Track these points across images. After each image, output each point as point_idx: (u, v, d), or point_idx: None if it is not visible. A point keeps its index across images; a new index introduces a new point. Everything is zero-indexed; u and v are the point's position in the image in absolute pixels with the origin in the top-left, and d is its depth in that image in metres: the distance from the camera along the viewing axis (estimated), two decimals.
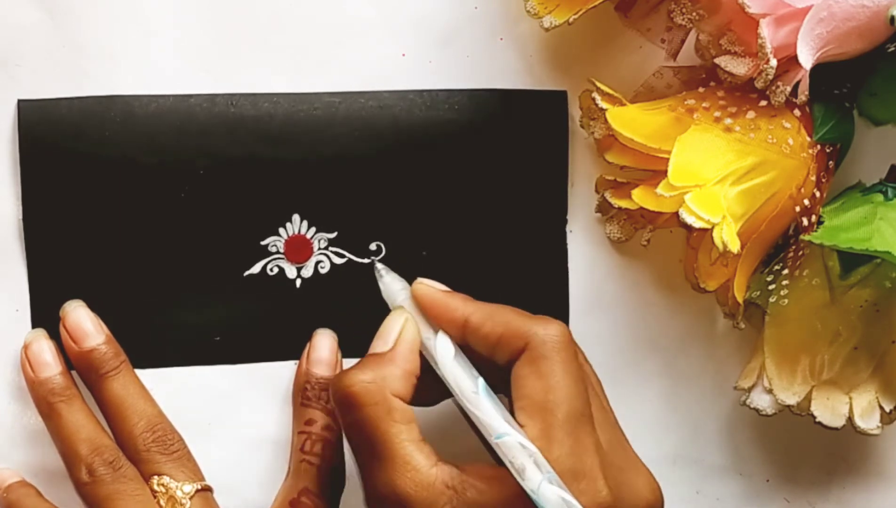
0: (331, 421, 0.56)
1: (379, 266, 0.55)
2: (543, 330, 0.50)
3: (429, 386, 0.52)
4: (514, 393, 0.50)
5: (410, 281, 0.54)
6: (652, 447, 0.58)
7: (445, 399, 0.54)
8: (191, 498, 0.53)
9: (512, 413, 0.50)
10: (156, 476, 0.54)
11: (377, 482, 0.49)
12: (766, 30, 0.50)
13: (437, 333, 0.52)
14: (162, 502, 0.53)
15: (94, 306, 0.55)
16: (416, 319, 0.52)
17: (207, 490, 0.55)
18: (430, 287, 0.53)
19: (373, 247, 0.57)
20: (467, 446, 0.53)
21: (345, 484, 0.56)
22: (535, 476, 0.47)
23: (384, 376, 0.50)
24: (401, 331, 0.52)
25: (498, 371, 0.51)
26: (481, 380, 0.50)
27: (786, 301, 0.56)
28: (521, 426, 0.49)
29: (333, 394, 0.51)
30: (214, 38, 0.56)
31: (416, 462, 0.49)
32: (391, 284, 0.54)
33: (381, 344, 0.52)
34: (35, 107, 0.55)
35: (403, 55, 0.57)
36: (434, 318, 0.52)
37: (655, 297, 0.59)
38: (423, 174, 0.57)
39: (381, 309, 0.56)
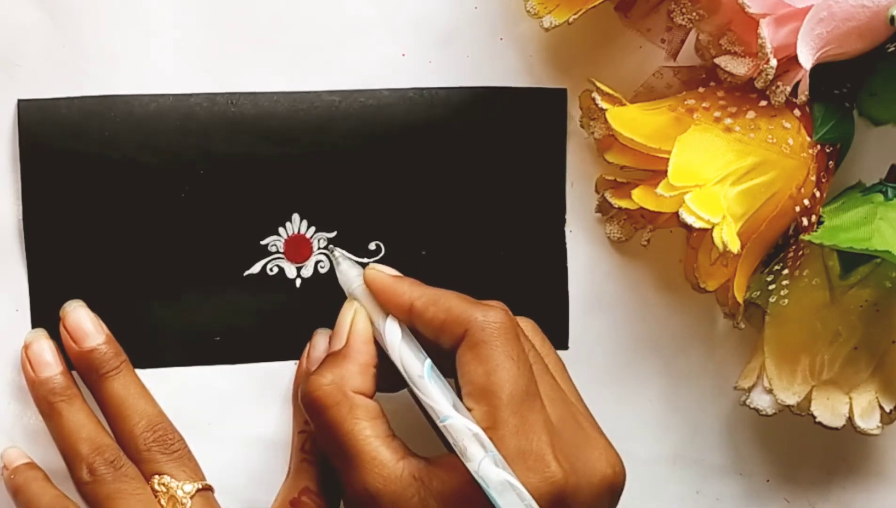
0: None
1: (336, 252, 0.55)
2: (482, 315, 0.50)
3: (392, 372, 0.52)
4: (459, 379, 0.50)
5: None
6: (652, 447, 0.58)
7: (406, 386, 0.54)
8: (191, 498, 0.53)
9: (459, 398, 0.50)
10: (156, 476, 0.54)
11: (349, 481, 0.50)
12: (766, 30, 0.50)
13: (387, 318, 0.52)
14: (163, 501, 0.53)
15: (94, 306, 0.55)
16: (368, 307, 0.53)
17: (208, 489, 0.55)
18: (379, 272, 0.53)
19: (372, 246, 0.57)
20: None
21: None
22: (477, 455, 0.48)
23: (342, 375, 0.51)
24: (352, 324, 0.53)
25: (448, 357, 0.51)
26: (428, 362, 0.51)
27: (786, 301, 0.56)
28: (468, 409, 0.49)
29: (302, 403, 0.52)
30: (214, 38, 0.56)
31: (383, 457, 0.49)
32: (347, 271, 0.54)
33: (336, 341, 0.53)
34: (35, 107, 0.55)
35: (403, 55, 0.57)
36: (383, 303, 0.52)
37: (655, 297, 0.59)
38: (422, 173, 0.57)
39: None
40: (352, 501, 0.50)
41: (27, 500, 0.54)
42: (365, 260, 0.57)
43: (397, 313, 0.52)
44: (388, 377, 0.52)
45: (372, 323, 0.53)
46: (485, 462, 0.47)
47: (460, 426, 0.48)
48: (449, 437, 0.49)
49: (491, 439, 0.48)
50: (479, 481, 0.47)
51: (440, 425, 0.49)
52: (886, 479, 0.62)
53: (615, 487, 0.51)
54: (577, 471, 0.49)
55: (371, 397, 0.51)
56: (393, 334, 0.52)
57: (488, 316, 0.50)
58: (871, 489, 0.62)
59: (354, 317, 0.53)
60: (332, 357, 0.52)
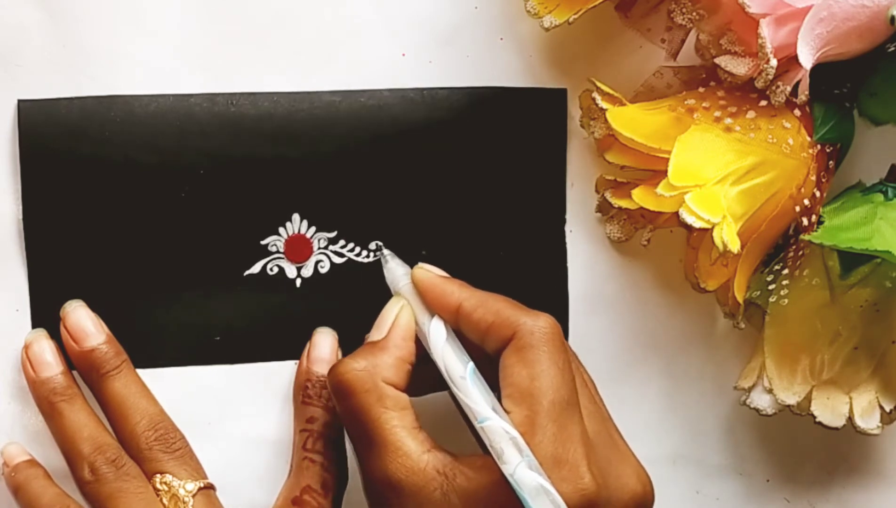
0: (332, 418, 0.56)
1: (385, 251, 0.56)
2: (532, 320, 0.50)
3: (426, 375, 0.52)
4: (501, 382, 0.50)
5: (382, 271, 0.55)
6: (652, 447, 0.58)
7: (443, 389, 0.54)
8: (193, 496, 0.53)
9: (500, 401, 0.50)
10: (158, 475, 0.54)
11: (371, 467, 0.50)
12: (766, 30, 0.50)
13: (433, 318, 0.52)
14: (164, 500, 0.53)
15: (94, 306, 0.55)
16: (414, 306, 0.53)
17: (210, 487, 0.55)
18: (428, 271, 0.53)
19: (372, 246, 0.57)
20: (470, 440, 0.53)
21: (347, 481, 0.56)
22: (514, 458, 0.48)
23: (376, 363, 0.51)
24: (396, 319, 0.53)
25: (490, 360, 0.51)
26: (471, 365, 0.51)
27: (786, 301, 0.56)
28: (507, 412, 0.49)
29: (329, 383, 0.52)
30: (214, 38, 0.56)
31: (408, 447, 0.50)
32: (395, 269, 0.55)
33: (376, 332, 0.53)
34: (35, 107, 0.55)
35: (403, 55, 0.57)
36: (430, 303, 0.53)
37: (655, 297, 0.59)
38: (422, 173, 0.57)
39: (381, 309, 0.56)
40: (372, 489, 0.51)
41: (28, 498, 0.54)
42: (366, 260, 0.57)
43: (444, 313, 0.52)
44: (422, 381, 0.53)
45: (416, 323, 0.53)
46: (521, 466, 0.47)
47: (498, 428, 0.48)
48: (486, 438, 0.49)
49: (527, 443, 0.48)
50: (513, 483, 0.47)
51: (478, 426, 0.49)
52: (886, 479, 0.62)
53: (644, 505, 0.51)
54: (608, 486, 0.49)
55: (402, 391, 0.51)
56: (437, 333, 0.52)
57: (538, 322, 0.50)
58: (871, 489, 0.62)
59: (399, 313, 0.53)
60: (368, 345, 0.52)
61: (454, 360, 0.51)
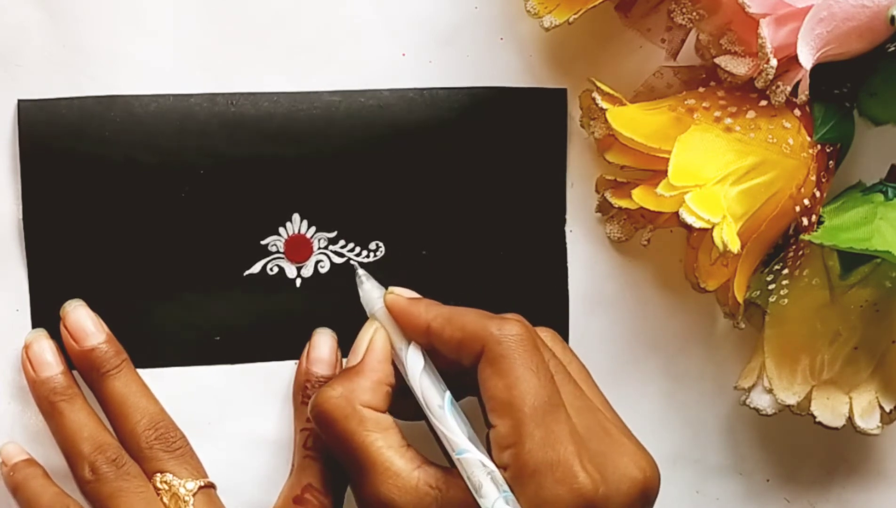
0: None
1: (360, 272, 0.55)
2: (498, 329, 0.50)
3: (410, 401, 0.53)
4: (482, 396, 0.50)
5: (410, 279, 0.55)
6: (652, 447, 0.58)
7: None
8: (194, 495, 0.53)
9: (485, 416, 0.50)
10: (159, 474, 0.54)
11: (364, 492, 0.50)
12: (766, 30, 0.50)
13: (409, 345, 0.52)
14: (165, 499, 0.53)
15: (94, 306, 0.55)
16: (390, 331, 0.53)
17: (210, 486, 0.55)
18: (397, 296, 0.53)
19: (372, 246, 0.57)
20: None
21: (349, 481, 0.56)
22: (491, 493, 0.48)
23: (352, 388, 0.51)
24: (370, 342, 0.53)
25: (470, 375, 0.51)
26: (448, 395, 0.51)
27: (786, 300, 0.56)
28: (492, 426, 0.49)
29: (311, 415, 0.52)
30: (214, 38, 0.56)
31: (397, 466, 0.50)
32: (370, 292, 0.55)
33: (352, 357, 0.53)
34: (35, 107, 0.55)
35: (403, 55, 0.57)
36: (402, 326, 0.53)
37: (655, 297, 0.59)
38: (422, 173, 0.57)
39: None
40: None
41: (27, 498, 0.54)
42: (366, 260, 0.57)
43: (416, 335, 0.52)
44: (406, 405, 0.53)
45: (393, 348, 0.53)
46: (499, 502, 0.48)
47: (475, 461, 0.49)
48: (462, 470, 0.49)
49: (517, 453, 0.48)
50: None
51: (455, 458, 0.49)
52: (886, 479, 0.62)
53: (648, 490, 0.51)
54: (606, 480, 0.49)
55: (383, 412, 0.51)
56: (415, 363, 0.52)
57: (503, 330, 0.50)
58: (871, 489, 0.62)
59: (374, 336, 0.53)
60: (344, 372, 0.53)
61: (431, 390, 0.51)
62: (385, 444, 0.50)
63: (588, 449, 0.49)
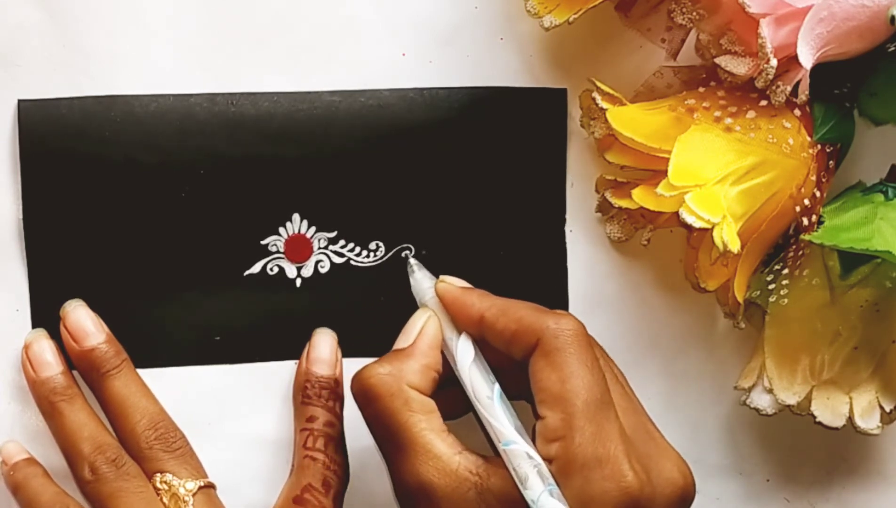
0: (332, 418, 0.56)
1: (412, 261, 0.55)
2: (555, 323, 0.50)
3: (450, 397, 0.53)
4: (532, 388, 0.50)
5: (409, 280, 0.55)
6: None
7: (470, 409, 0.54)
8: (193, 495, 0.53)
9: (533, 408, 0.50)
10: (158, 474, 0.54)
11: (401, 472, 0.50)
12: (766, 29, 0.50)
13: (460, 336, 0.52)
14: (165, 499, 0.53)
15: (94, 306, 0.56)
16: (441, 319, 0.53)
17: (210, 486, 0.55)
18: (449, 284, 0.54)
19: (372, 246, 0.57)
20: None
21: (349, 481, 0.56)
22: (537, 486, 0.48)
23: (401, 368, 0.51)
24: (422, 328, 0.53)
25: (519, 367, 0.51)
26: (497, 387, 0.51)
27: (786, 300, 0.56)
28: (541, 418, 0.49)
29: (353, 388, 0.52)
30: (214, 38, 0.56)
31: (438, 449, 0.50)
32: (421, 282, 0.55)
33: (402, 340, 0.53)
34: (35, 107, 0.55)
35: (403, 55, 0.57)
36: (453, 316, 0.53)
37: (655, 297, 0.59)
38: (422, 173, 0.57)
39: (381, 309, 0.56)
40: (404, 494, 0.50)
41: (27, 497, 0.54)
42: (366, 260, 0.57)
43: (467, 325, 0.52)
44: (446, 401, 0.52)
45: (444, 335, 0.53)
46: (544, 495, 0.48)
47: (522, 452, 0.49)
48: (508, 462, 0.49)
49: (567, 447, 0.48)
50: None
51: (501, 448, 0.49)
52: (886, 479, 0.62)
53: (687, 498, 0.51)
54: (651, 481, 0.49)
55: (426, 396, 0.51)
56: (465, 353, 0.52)
57: (561, 324, 0.50)
58: (871, 489, 0.62)
59: (426, 323, 0.53)
60: (394, 352, 0.52)
61: (480, 380, 0.51)
62: (428, 427, 0.50)
63: (635, 450, 0.49)
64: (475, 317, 0.52)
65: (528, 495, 0.48)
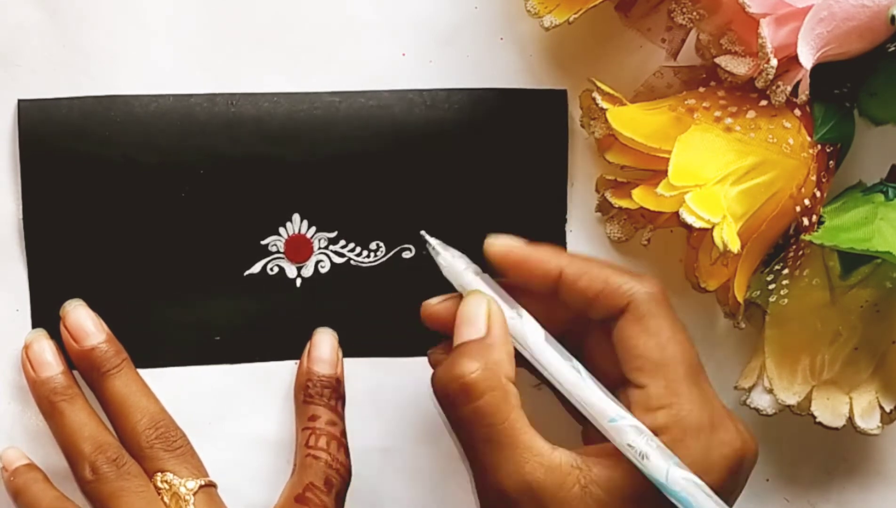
0: (334, 416, 0.56)
1: (433, 242, 0.53)
2: (642, 286, 0.49)
3: None
4: (624, 354, 0.49)
5: (410, 279, 0.54)
6: None
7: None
8: (194, 494, 0.54)
9: (622, 375, 0.49)
10: (159, 473, 0.54)
11: (501, 474, 0.48)
12: (766, 29, 0.50)
13: (522, 314, 0.50)
14: (166, 498, 0.53)
15: (94, 306, 0.56)
16: (496, 298, 0.51)
17: (211, 485, 0.55)
18: (507, 243, 0.51)
19: (372, 246, 0.57)
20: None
21: (350, 480, 0.56)
22: (662, 461, 0.47)
23: (495, 361, 0.49)
24: (489, 313, 0.50)
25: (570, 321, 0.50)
26: (576, 362, 0.49)
27: (786, 301, 0.56)
28: (641, 387, 0.48)
29: (442, 389, 0.49)
30: (214, 38, 0.56)
31: (539, 447, 0.48)
32: (454, 263, 0.52)
33: (472, 330, 0.50)
34: (35, 107, 0.55)
35: (403, 55, 0.57)
36: (525, 273, 0.51)
37: None
38: (422, 173, 0.57)
39: (382, 308, 0.56)
40: (502, 498, 0.48)
41: (28, 502, 0.54)
42: (366, 260, 0.57)
43: (540, 282, 0.50)
44: None
45: None
46: (672, 469, 0.46)
47: (628, 427, 0.47)
48: (614, 436, 0.47)
49: (675, 414, 0.47)
50: (664, 485, 0.46)
51: (604, 427, 0.48)
52: (886, 479, 0.62)
53: (756, 449, 0.51)
54: (744, 437, 0.49)
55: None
56: (535, 333, 0.50)
57: (648, 288, 0.49)
58: (871, 489, 0.62)
59: (490, 308, 0.50)
60: (474, 345, 0.49)
61: (559, 360, 0.49)
62: (525, 423, 0.48)
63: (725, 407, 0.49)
64: (552, 274, 0.50)
65: (652, 471, 0.46)
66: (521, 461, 0.48)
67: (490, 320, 0.50)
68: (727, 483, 0.48)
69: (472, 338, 0.50)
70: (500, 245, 0.51)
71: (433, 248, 0.53)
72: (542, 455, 0.48)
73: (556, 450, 0.49)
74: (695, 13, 0.52)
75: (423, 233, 0.54)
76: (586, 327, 0.53)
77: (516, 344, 0.50)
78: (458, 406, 0.49)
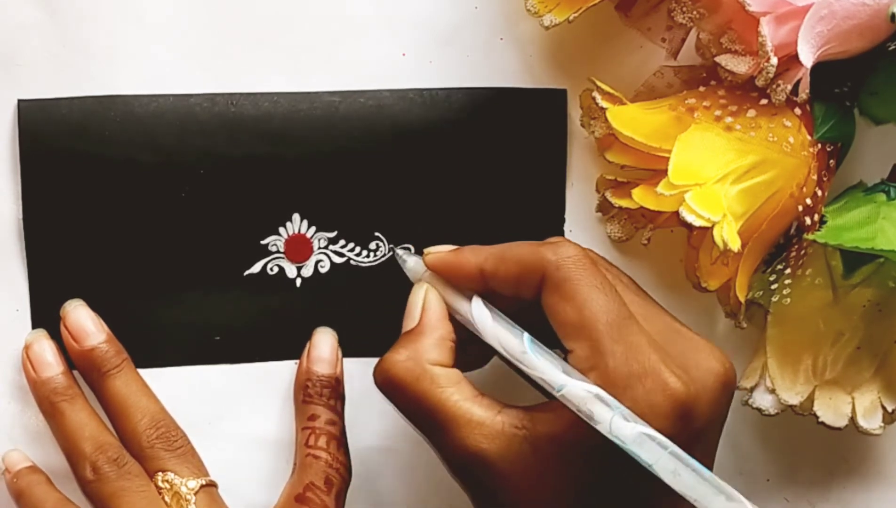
0: (334, 416, 0.56)
1: (399, 252, 0.55)
2: (554, 254, 0.49)
3: (475, 351, 0.52)
4: (553, 325, 0.49)
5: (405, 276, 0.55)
6: None
7: (492, 358, 0.53)
8: (195, 494, 0.54)
9: (560, 344, 0.49)
10: (160, 473, 0.54)
11: (449, 448, 0.49)
12: (766, 28, 0.50)
13: (471, 301, 0.51)
14: (167, 498, 0.53)
15: (94, 306, 0.56)
16: (445, 293, 0.52)
17: (212, 485, 0.55)
18: (438, 251, 0.53)
19: (372, 246, 0.57)
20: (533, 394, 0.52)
21: (351, 478, 0.56)
22: (605, 415, 0.47)
23: (417, 349, 0.50)
24: (424, 303, 0.52)
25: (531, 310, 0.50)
26: (526, 336, 0.50)
27: (788, 300, 0.56)
28: (570, 352, 0.49)
29: (377, 382, 0.51)
30: (214, 38, 0.56)
31: (479, 416, 0.49)
32: (414, 267, 0.54)
33: (408, 321, 0.52)
34: (35, 107, 0.55)
35: (403, 55, 0.57)
36: (453, 279, 0.52)
37: (656, 297, 0.58)
38: (422, 173, 0.57)
39: (381, 308, 0.57)
40: (460, 471, 0.50)
41: (30, 504, 0.54)
42: (366, 260, 0.57)
43: (469, 282, 0.51)
44: (471, 356, 0.52)
45: (452, 307, 0.52)
46: (615, 421, 0.46)
47: (578, 391, 0.47)
48: (570, 405, 0.48)
49: (602, 372, 0.47)
50: (615, 440, 0.46)
51: (557, 395, 0.48)
52: (886, 479, 0.62)
53: (729, 383, 0.50)
54: (693, 379, 0.48)
55: (451, 368, 0.51)
56: (483, 316, 0.51)
57: (559, 253, 0.49)
58: (871, 489, 0.62)
59: (426, 296, 0.52)
60: (405, 335, 0.51)
61: (508, 337, 0.50)
62: (461, 397, 0.49)
63: (668, 353, 0.49)
64: (474, 272, 0.51)
65: (601, 428, 0.46)
66: (462, 436, 0.49)
67: (424, 308, 0.52)
68: (676, 429, 0.47)
69: (407, 329, 0.52)
70: (432, 255, 0.53)
71: (401, 258, 0.55)
72: (482, 425, 0.49)
73: (501, 413, 0.49)
74: (695, 12, 0.52)
75: (392, 247, 0.57)
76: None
77: (475, 332, 0.51)
78: (393, 397, 0.51)
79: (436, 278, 0.53)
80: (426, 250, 0.53)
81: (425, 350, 0.50)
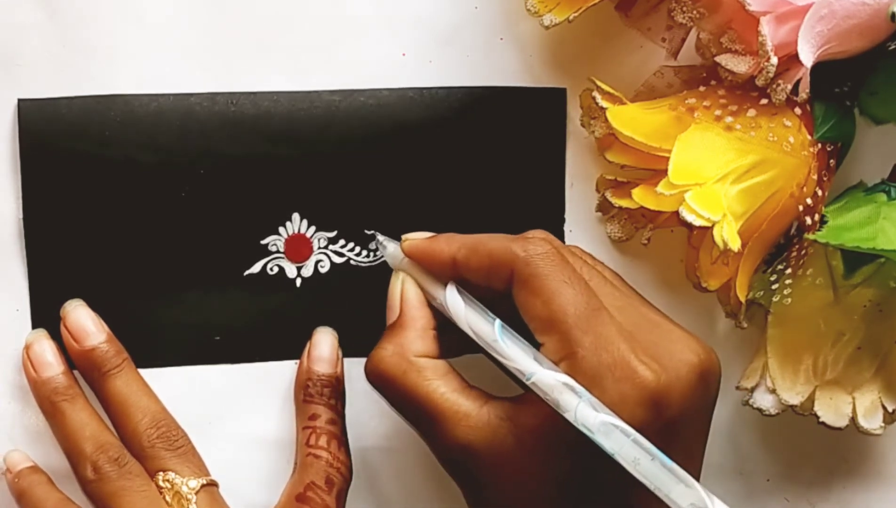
0: (334, 415, 0.56)
1: (380, 238, 0.55)
2: (523, 250, 0.50)
3: (457, 337, 0.52)
4: (524, 319, 0.50)
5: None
6: None
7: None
8: (196, 493, 0.54)
9: (532, 339, 0.50)
10: (161, 473, 0.54)
11: (439, 441, 0.50)
12: (766, 28, 0.50)
13: (445, 289, 0.52)
14: (168, 498, 0.53)
15: (94, 306, 0.56)
16: (422, 279, 0.53)
17: (213, 484, 0.55)
18: (414, 238, 0.53)
19: (372, 246, 0.57)
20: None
21: (352, 479, 0.56)
22: (571, 402, 0.47)
23: (401, 343, 0.51)
24: (402, 294, 0.52)
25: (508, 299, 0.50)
26: (498, 322, 0.50)
27: (789, 300, 0.56)
28: (541, 345, 0.49)
29: (368, 378, 0.51)
30: (214, 38, 0.56)
31: (465, 408, 0.49)
32: (394, 253, 0.54)
33: (390, 314, 0.53)
34: (35, 107, 0.55)
35: (403, 54, 0.57)
36: (427, 267, 0.52)
37: (656, 297, 0.59)
38: (422, 173, 0.57)
39: (382, 308, 0.56)
40: (449, 463, 0.51)
41: (32, 504, 0.54)
42: (366, 259, 0.57)
43: (442, 271, 0.52)
44: (455, 343, 0.52)
45: (429, 293, 0.52)
46: (581, 408, 0.47)
47: (547, 379, 0.48)
48: (539, 393, 0.48)
49: (572, 365, 0.48)
50: (581, 428, 0.46)
51: (528, 383, 0.48)
52: (886, 479, 0.61)
53: (706, 372, 0.50)
54: (665, 368, 0.48)
55: (437, 358, 0.51)
56: (456, 304, 0.51)
57: (528, 250, 0.50)
58: (871, 489, 0.62)
59: (403, 287, 0.53)
60: (389, 329, 0.52)
61: (480, 324, 0.50)
62: (448, 389, 0.50)
63: (639, 343, 0.49)
64: (448, 261, 0.51)
65: (568, 416, 0.47)
66: (449, 429, 0.49)
67: (402, 299, 0.52)
68: (647, 419, 0.47)
69: (390, 322, 0.52)
70: (406, 244, 0.53)
71: (380, 243, 0.55)
72: (468, 417, 0.49)
73: (486, 405, 0.49)
74: (695, 12, 0.52)
75: (374, 232, 0.57)
76: None
77: (450, 319, 0.51)
78: (382, 392, 0.51)
79: (413, 265, 0.53)
80: (404, 236, 0.54)
81: (410, 342, 0.51)
